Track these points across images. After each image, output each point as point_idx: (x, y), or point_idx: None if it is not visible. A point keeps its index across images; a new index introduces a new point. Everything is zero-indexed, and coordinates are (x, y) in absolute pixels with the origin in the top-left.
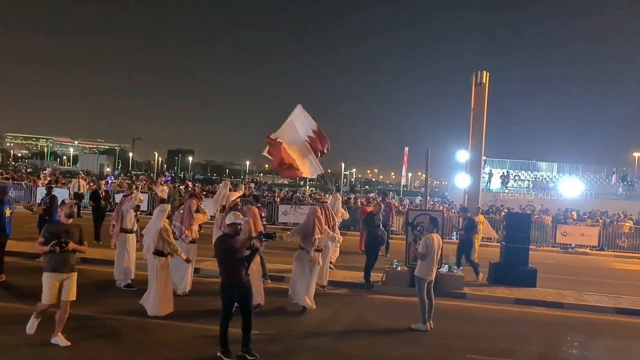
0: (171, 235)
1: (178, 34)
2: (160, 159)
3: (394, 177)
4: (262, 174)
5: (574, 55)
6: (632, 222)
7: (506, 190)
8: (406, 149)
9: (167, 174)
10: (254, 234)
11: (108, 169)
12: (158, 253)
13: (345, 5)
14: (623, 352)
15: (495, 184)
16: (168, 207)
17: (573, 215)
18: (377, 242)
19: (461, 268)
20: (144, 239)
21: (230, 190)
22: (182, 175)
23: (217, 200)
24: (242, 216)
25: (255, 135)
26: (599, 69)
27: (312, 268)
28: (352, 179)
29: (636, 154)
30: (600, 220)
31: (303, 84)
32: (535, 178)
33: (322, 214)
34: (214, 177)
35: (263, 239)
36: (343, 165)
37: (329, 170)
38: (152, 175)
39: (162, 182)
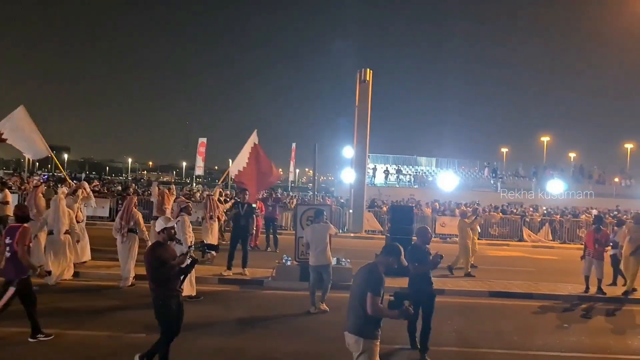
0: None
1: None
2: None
3: (282, 173)
4: (145, 171)
5: (448, 55)
6: (501, 213)
7: (389, 185)
8: (293, 145)
9: (40, 172)
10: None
11: None
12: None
13: (227, 2)
14: (497, 332)
15: (380, 178)
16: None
17: (464, 208)
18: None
19: (348, 260)
20: None
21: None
22: (64, 175)
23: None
24: (172, 219)
25: (137, 131)
26: (473, 71)
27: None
28: None
29: (504, 149)
30: (502, 213)
31: (187, 76)
32: (416, 172)
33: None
34: (92, 176)
35: (206, 250)
36: (230, 161)
37: (216, 167)
38: (22, 174)
39: (40, 182)
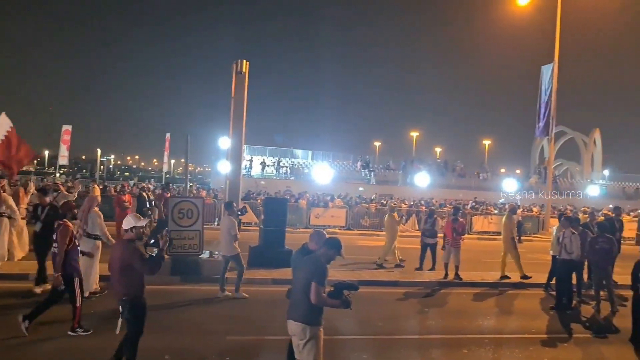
0: None
1: None
2: None
3: (156, 163)
4: None
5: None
6: (376, 204)
7: (266, 176)
8: (168, 135)
9: None
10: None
11: None
12: None
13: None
14: (363, 319)
15: (256, 170)
16: None
17: (337, 202)
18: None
19: (220, 252)
20: None
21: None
22: None
23: None
24: (142, 218)
25: None
26: (348, 67)
27: None
28: (110, 166)
29: (377, 143)
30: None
31: (53, 59)
32: (292, 164)
33: None
34: None
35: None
36: (99, 151)
37: (83, 157)
38: None
39: None
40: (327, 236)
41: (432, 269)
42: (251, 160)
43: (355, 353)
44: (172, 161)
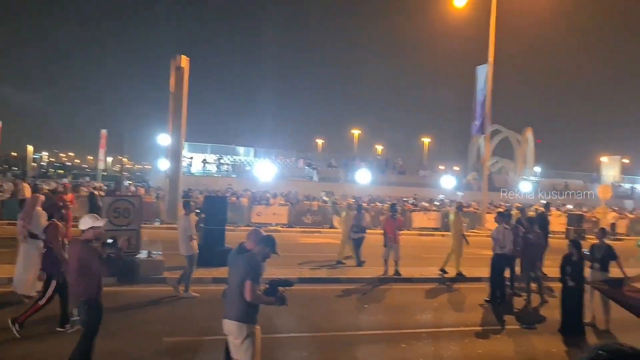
0: None
1: None
2: None
3: (91, 161)
4: None
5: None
6: (317, 202)
7: (207, 174)
8: (103, 131)
9: None
10: None
11: None
12: None
13: None
14: (302, 316)
15: (197, 167)
16: None
17: (279, 199)
18: None
19: (160, 252)
20: None
21: None
22: None
23: None
24: (100, 218)
25: None
26: (289, 66)
27: None
28: (43, 163)
29: (319, 141)
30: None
31: None
32: (234, 162)
33: None
34: None
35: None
36: (31, 148)
37: (14, 154)
38: None
39: None
40: (264, 234)
41: (359, 264)
42: (192, 158)
43: (294, 351)
44: (110, 158)
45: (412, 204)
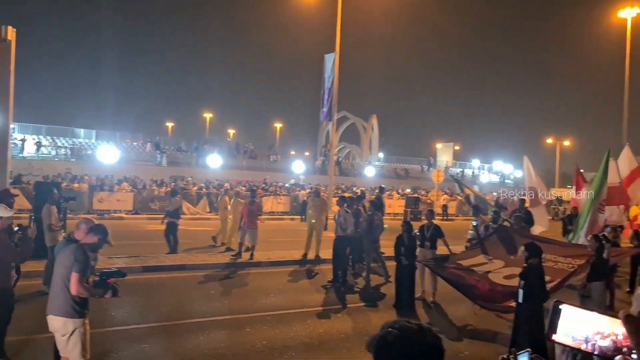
0: None
1: None
2: None
3: None
4: None
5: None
6: (170, 186)
7: (42, 157)
8: None
9: None
10: None
11: None
12: None
13: None
14: (148, 306)
15: (30, 150)
16: None
17: (125, 186)
18: None
19: None
20: None
21: None
22: None
23: None
24: (8, 209)
25: None
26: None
27: None
28: None
29: (169, 124)
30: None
31: None
32: (73, 144)
33: None
34: None
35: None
36: None
37: None
38: None
39: None
40: (95, 223)
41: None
42: (24, 140)
43: (135, 342)
44: None
45: (262, 188)
